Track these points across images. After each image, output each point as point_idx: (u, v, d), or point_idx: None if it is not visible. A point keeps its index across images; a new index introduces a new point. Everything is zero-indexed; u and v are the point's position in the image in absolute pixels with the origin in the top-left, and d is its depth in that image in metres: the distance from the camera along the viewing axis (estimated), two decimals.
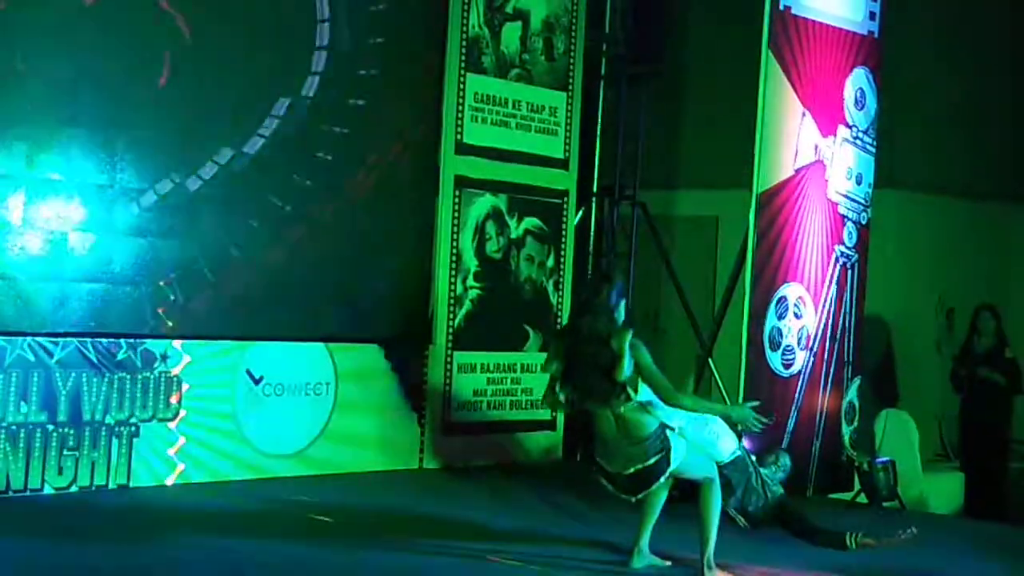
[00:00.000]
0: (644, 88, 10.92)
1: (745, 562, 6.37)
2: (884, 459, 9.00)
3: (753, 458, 6.69)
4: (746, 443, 8.13)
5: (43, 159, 7.41)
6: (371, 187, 8.87)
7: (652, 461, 5.94)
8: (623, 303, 6.06)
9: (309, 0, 8.46)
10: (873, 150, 9.44)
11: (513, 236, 9.64)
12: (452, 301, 9.25)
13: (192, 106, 7.94)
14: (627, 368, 5.84)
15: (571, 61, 9.97)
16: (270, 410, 8.27)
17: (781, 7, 8.63)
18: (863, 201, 9.38)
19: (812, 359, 8.92)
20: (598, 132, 10.79)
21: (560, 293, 9.90)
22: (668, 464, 5.95)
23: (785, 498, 6.93)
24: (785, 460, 7.34)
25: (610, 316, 5.97)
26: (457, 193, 9.28)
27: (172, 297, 7.86)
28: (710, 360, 9.72)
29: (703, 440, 6.29)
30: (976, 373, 10.14)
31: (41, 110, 7.39)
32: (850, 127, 9.22)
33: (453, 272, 9.26)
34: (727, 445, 6.32)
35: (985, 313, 10.31)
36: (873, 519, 8.26)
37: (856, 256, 9.33)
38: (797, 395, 8.80)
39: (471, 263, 9.38)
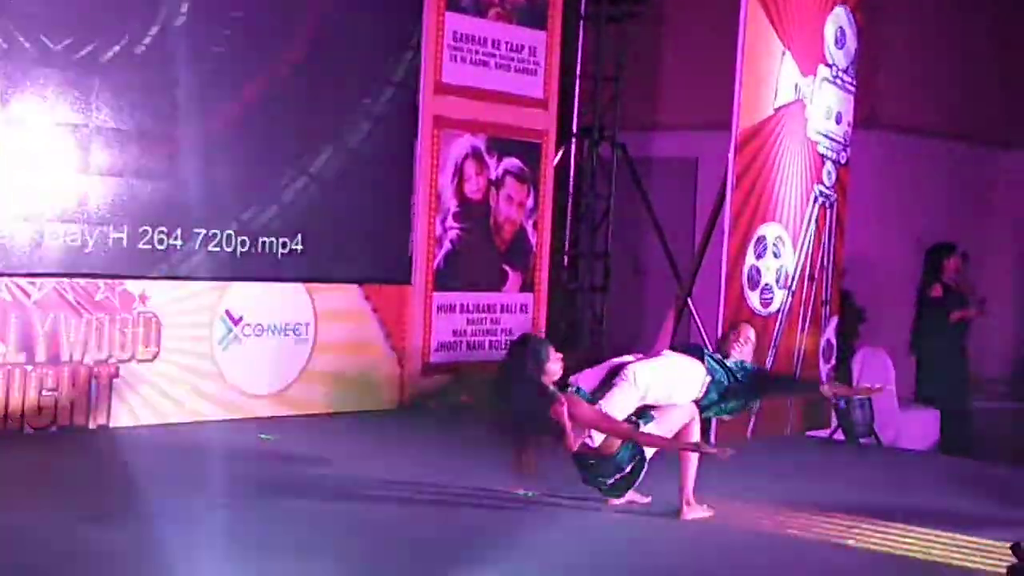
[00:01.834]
0: (624, 28, 10.87)
1: (724, 498, 6.43)
2: (861, 397, 9.08)
3: (717, 357, 6.60)
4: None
5: (19, 98, 7.34)
6: (350, 128, 8.82)
7: (628, 468, 6.07)
8: (542, 357, 5.95)
9: None
10: (853, 89, 9.43)
11: (492, 176, 9.61)
12: (432, 241, 9.24)
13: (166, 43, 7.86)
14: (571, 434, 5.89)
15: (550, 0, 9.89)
16: (249, 351, 8.27)
17: None
18: (842, 140, 9.39)
19: (790, 298, 8.96)
20: (577, 72, 10.73)
21: (539, 234, 9.89)
22: (644, 463, 6.08)
23: (756, 370, 6.84)
24: (748, 332, 7.18)
25: (534, 387, 5.87)
26: (436, 133, 9.24)
27: (151, 238, 7.82)
28: (689, 300, 9.74)
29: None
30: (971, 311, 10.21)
31: (14, 49, 7.31)
32: (830, 66, 9.20)
33: (432, 212, 9.24)
34: (696, 381, 6.31)
35: (952, 253, 10.37)
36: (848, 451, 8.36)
37: (835, 196, 9.35)
38: (775, 334, 8.84)
39: (450, 203, 9.36)
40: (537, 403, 5.86)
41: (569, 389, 5.98)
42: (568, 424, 5.83)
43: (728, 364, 6.55)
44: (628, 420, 6.03)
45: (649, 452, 6.09)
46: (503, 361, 6.21)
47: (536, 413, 5.85)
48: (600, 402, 6.02)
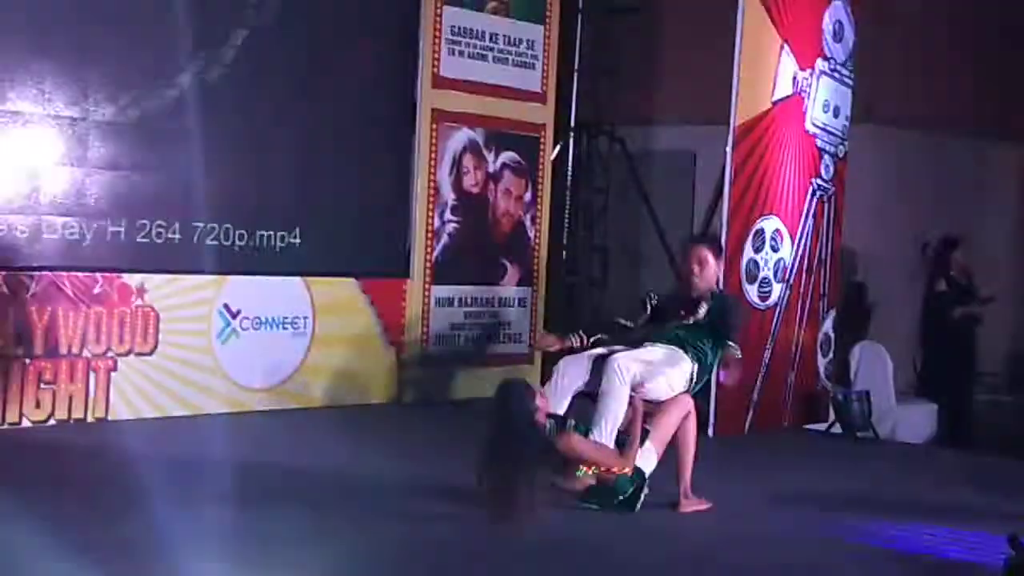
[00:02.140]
0: (622, 21, 10.87)
1: (721, 492, 6.43)
2: (858, 390, 9.09)
3: (689, 324, 6.33)
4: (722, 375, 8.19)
5: (15, 92, 7.33)
6: (349, 121, 8.81)
7: (631, 490, 6.03)
8: (528, 404, 5.83)
9: None
10: (851, 83, 9.44)
11: (490, 170, 9.61)
12: (430, 235, 9.24)
13: (162, 35, 7.83)
14: None
15: None
16: (247, 344, 8.26)
17: None
18: (840, 134, 9.39)
19: (788, 291, 8.97)
20: (576, 66, 10.73)
21: (537, 227, 9.89)
22: (644, 480, 6.04)
23: (720, 305, 6.47)
24: (701, 253, 6.41)
25: (532, 433, 5.77)
26: (434, 126, 9.24)
27: (149, 231, 7.83)
28: None
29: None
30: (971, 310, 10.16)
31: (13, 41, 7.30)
32: (828, 59, 9.20)
33: (431, 206, 9.24)
34: (683, 370, 6.20)
35: (958, 249, 10.34)
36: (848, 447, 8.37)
37: (832, 189, 9.36)
38: (773, 327, 8.85)
39: (448, 197, 9.36)
40: (539, 447, 5.73)
41: (547, 423, 5.89)
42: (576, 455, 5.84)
43: (701, 319, 6.27)
44: (619, 436, 5.99)
45: (649, 467, 6.06)
46: (494, 422, 5.82)
47: (540, 457, 5.72)
48: (595, 412, 5.97)
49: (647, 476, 6.05)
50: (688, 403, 6.21)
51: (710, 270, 6.41)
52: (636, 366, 6.07)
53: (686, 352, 6.23)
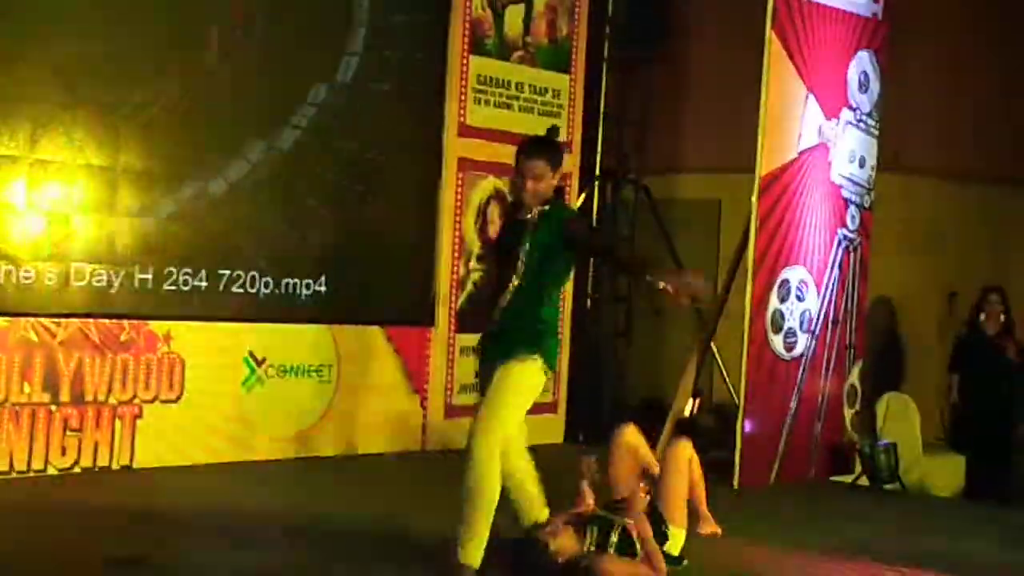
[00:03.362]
0: (647, 71, 10.91)
1: (747, 543, 6.38)
2: (885, 442, 9.03)
3: None
4: (747, 425, 8.15)
5: (47, 140, 7.39)
6: (375, 170, 8.86)
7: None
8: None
9: None
10: (876, 133, 9.43)
11: None
12: (455, 283, 9.25)
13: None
14: None
15: (574, 43, 9.96)
16: (272, 392, 8.27)
17: None
18: (866, 184, 9.38)
19: (814, 342, 8.93)
20: (601, 114, 10.77)
21: None
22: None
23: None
24: None
25: None
26: (460, 175, 9.28)
27: (176, 279, 7.86)
28: (712, 344, 9.71)
29: None
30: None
31: (44, 91, 7.37)
32: (853, 109, 9.21)
33: (456, 254, 9.26)
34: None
35: (993, 296, 10.22)
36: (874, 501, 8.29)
37: (859, 239, 9.34)
38: (799, 378, 8.81)
39: (474, 245, 9.38)
40: None
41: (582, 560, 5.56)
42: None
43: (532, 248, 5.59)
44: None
45: (679, 545, 5.93)
46: None
47: None
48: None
49: (681, 556, 5.93)
50: (681, 460, 5.96)
51: (544, 183, 5.66)
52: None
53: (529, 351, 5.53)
